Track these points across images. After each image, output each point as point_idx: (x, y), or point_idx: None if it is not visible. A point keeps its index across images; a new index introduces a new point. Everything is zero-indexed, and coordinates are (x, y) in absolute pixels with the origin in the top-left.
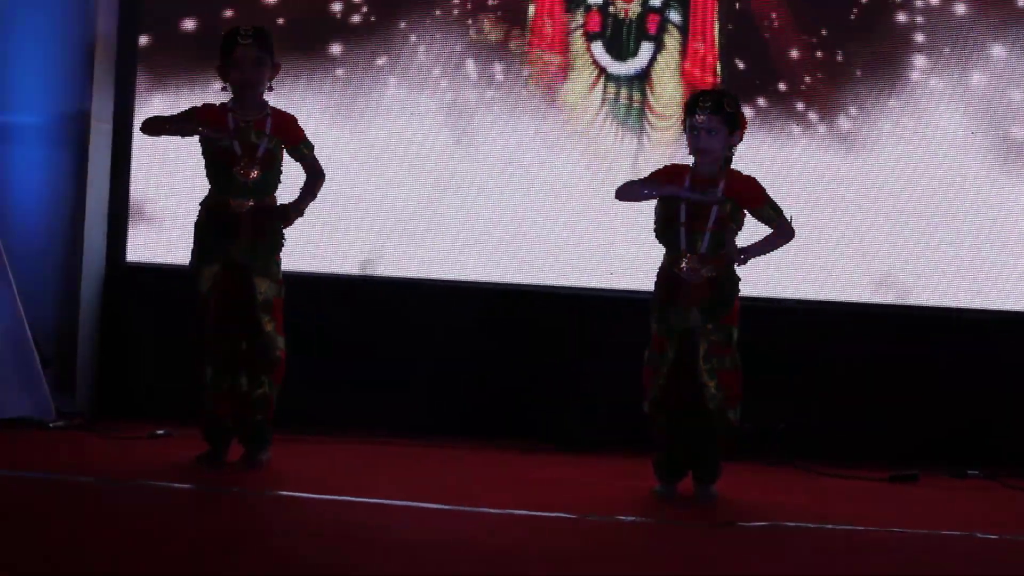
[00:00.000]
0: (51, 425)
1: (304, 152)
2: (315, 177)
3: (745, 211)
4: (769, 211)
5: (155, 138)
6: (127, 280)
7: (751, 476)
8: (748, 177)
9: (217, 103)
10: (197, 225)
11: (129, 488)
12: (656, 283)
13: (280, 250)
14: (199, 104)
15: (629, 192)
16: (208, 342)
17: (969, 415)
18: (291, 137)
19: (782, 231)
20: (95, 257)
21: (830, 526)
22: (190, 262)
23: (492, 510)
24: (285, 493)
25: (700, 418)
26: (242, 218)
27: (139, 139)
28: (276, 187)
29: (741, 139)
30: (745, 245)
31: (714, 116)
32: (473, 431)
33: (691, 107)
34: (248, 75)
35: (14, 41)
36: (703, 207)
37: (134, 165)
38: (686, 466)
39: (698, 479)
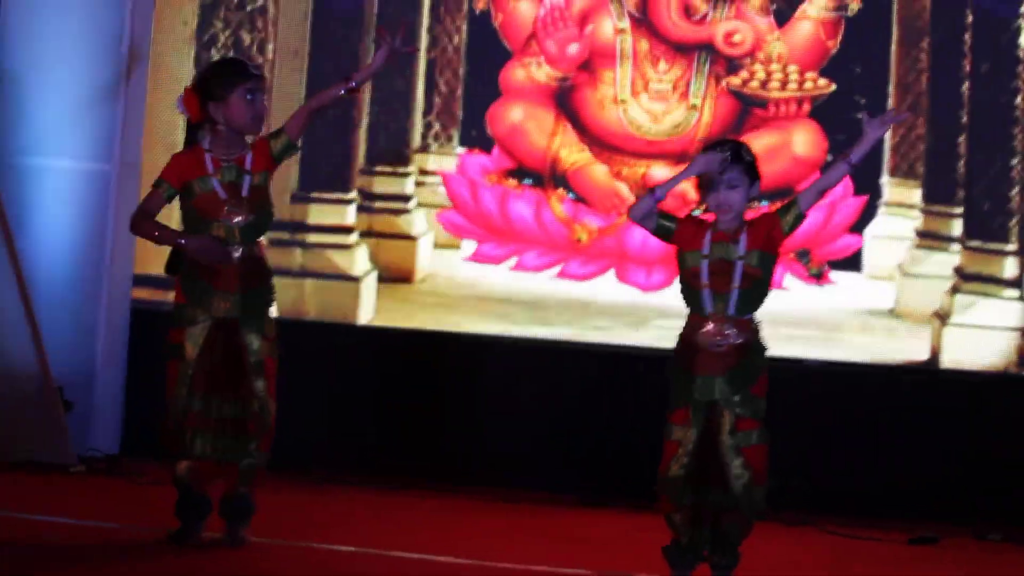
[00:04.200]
0: (72, 469)
1: (283, 140)
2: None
3: (775, 253)
4: (793, 211)
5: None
6: (154, 322)
7: (771, 537)
8: (761, 215)
9: (181, 152)
10: (179, 280)
11: (148, 533)
12: (676, 350)
13: (271, 304)
14: (169, 163)
15: (639, 207)
16: (195, 408)
17: (990, 474)
18: (266, 150)
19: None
20: (120, 300)
21: None
22: (171, 321)
23: (509, 565)
24: (301, 544)
25: (726, 498)
26: (231, 270)
27: None
28: (268, 227)
29: (760, 190)
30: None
31: (734, 167)
32: (489, 482)
33: None
34: (262, 110)
35: (45, 85)
36: (725, 265)
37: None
38: (703, 550)
39: (716, 566)
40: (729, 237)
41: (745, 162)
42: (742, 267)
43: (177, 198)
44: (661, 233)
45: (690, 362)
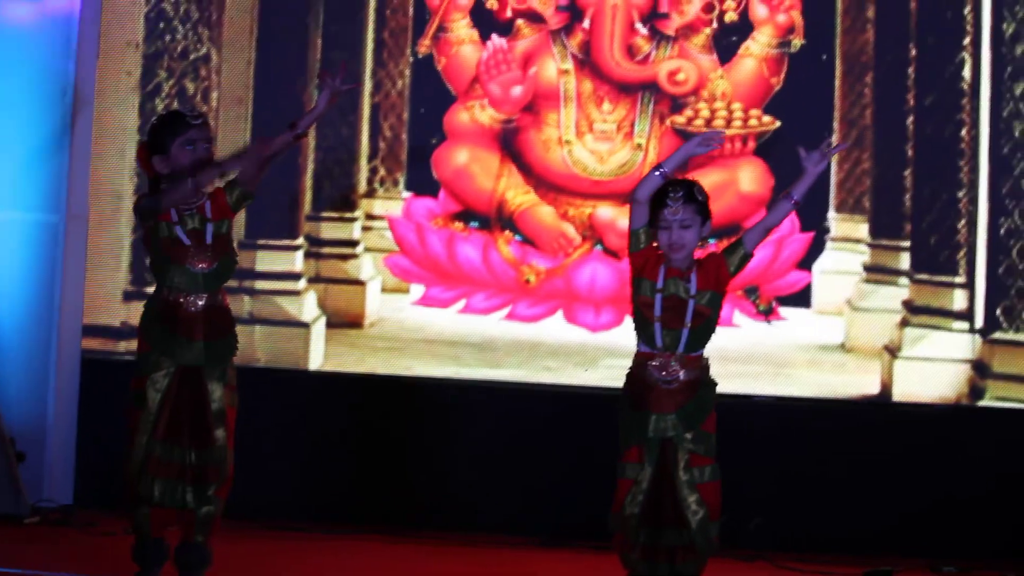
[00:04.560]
0: (25, 520)
1: (238, 190)
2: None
3: (723, 292)
4: (739, 251)
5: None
6: (105, 371)
7: (725, 573)
8: (708, 255)
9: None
10: (143, 327)
11: None
12: (625, 388)
13: (235, 353)
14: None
15: (646, 185)
16: (156, 455)
17: (943, 507)
18: (223, 199)
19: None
20: (71, 350)
21: None
22: (135, 369)
23: None
24: None
25: (682, 535)
26: (195, 318)
27: (115, 232)
28: (230, 275)
29: (711, 229)
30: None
31: (687, 207)
32: (444, 525)
33: (660, 199)
34: (202, 158)
35: None
36: (678, 302)
37: (109, 257)
38: None
39: None
40: (681, 275)
41: (698, 202)
42: (694, 306)
43: (145, 242)
44: (632, 241)
45: (642, 400)
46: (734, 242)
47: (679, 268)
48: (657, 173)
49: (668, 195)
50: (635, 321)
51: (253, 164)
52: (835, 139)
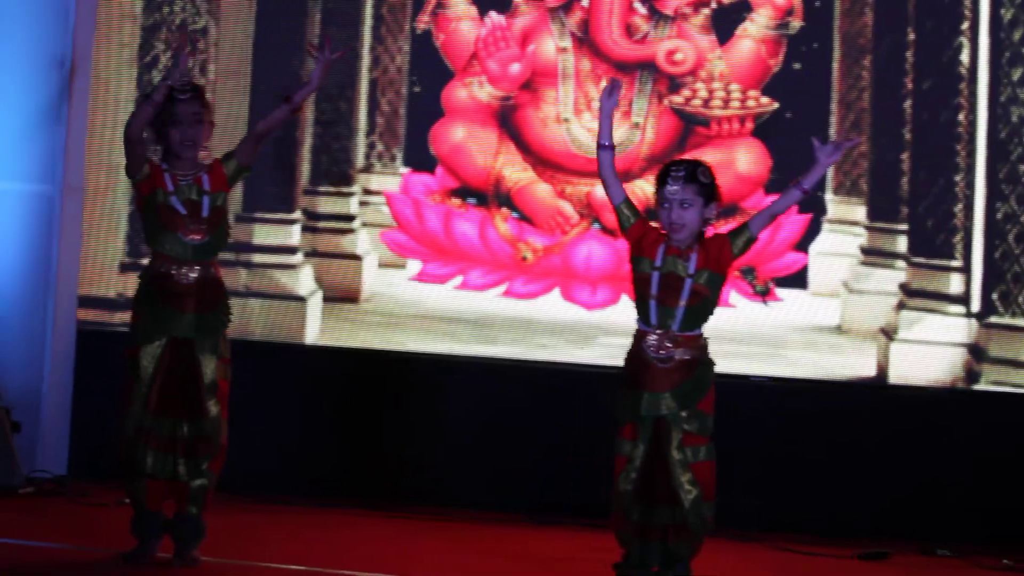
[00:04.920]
0: (20, 491)
1: (234, 163)
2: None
3: (724, 274)
4: (744, 234)
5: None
6: (100, 342)
7: (720, 553)
8: (713, 235)
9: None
10: (137, 300)
11: (98, 553)
12: (625, 365)
13: (227, 326)
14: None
15: (600, 163)
16: (148, 426)
17: (937, 490)
18: (221, 172)
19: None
20: (66, 321)
21: None
22: (128, 340)
23: None
24: (251, 563)
25: (675, 514)
26: (187, 290)
27: (111, 203)
28: (222, 248)
29: (717, 212)
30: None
31: (688, 186)
32: (437, 500)
33: (662, 178)
34: (189, 133)
35: None
36: (675, 280)
37: (105, 228)
38: (653, 566)
39: None
40: (681, 253)
41: (700, 183)
42: (691, 285)
43: (139, 208)
44: (620, 219)
45: (638, 378)
46: (740, 225)
47: (679, 247)
48: (601, 152)
49: (670, 174)
50: (635, 299)
51: (248, 145)
52: (834, 121)
